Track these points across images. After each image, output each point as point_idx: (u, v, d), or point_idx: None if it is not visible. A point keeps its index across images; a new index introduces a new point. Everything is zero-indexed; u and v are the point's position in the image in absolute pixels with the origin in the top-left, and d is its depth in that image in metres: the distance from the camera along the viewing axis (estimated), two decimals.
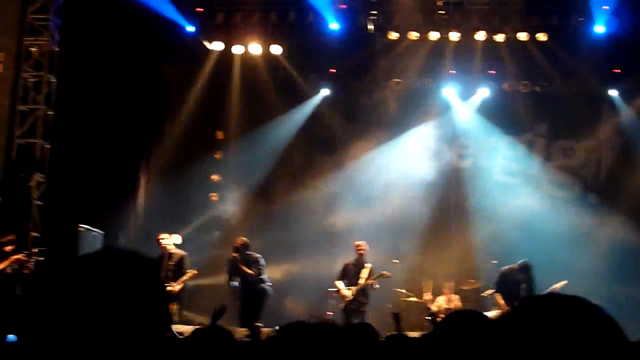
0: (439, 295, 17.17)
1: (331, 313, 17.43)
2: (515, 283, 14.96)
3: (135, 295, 1.91)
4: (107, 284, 1.90)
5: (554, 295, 1.92)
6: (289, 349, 2.48)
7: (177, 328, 12.28)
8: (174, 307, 14.98)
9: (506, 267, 15.40)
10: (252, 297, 15.45)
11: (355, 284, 15.77)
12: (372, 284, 15.76)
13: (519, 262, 15.21)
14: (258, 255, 15.89)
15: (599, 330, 1.78)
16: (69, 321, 1.86)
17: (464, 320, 3.40)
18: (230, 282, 15.69)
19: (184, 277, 15.22)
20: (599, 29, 17.93)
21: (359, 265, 16.02)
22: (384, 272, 16.08)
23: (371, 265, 16.02)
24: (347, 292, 15.75)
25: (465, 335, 3.22)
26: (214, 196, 19.25)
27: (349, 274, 16.04)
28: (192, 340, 4.62)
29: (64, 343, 1.84)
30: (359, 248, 16.15)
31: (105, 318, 1.85)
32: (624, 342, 1.79)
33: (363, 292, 15.82)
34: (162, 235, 15.67)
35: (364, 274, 15.88)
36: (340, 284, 15.94)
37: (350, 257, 16.20)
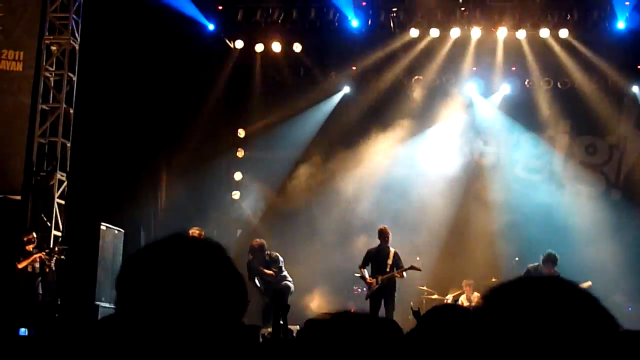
0: (460, 293, 17.12)
1: (353, 310, 17.41)
2: None
3: (212, 280, 1.90)
4: (182, 269, 1.88)
5: (528, 278, 1.85)
6: (313, 343, 2.46)
7: None
8: None
9: (532, 265, 15.26)
10: (275, 295, 15.38)
11: (383, 271, 15.52)
12: (400, 275, 15.54)
13: (543, 255, 15.05)
14: (276, 254, 15.83)
15: (581, 310, 1.73)
16: (148, 310, 1.85)
17: (444, 314, 3.40)
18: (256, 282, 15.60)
19: None
20: (620, 24, 17.83)
21: (383, 251, 15.74)
22: (415, 265, 15.93)
23: (395, 249, 15.77)
24: (372, 280, 15.50)
25: (447, 329, 3.21)
26: (235, 194, 19.24)
27: (374, 261, 15.73)
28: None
29: (143, 333, 1.83)
30: (383, 232, 15.85)
31: (183, 304, 1.84)
32: (609, 320, 1.75)
33: (390, 281, 15.54)
34: (194, 229, 15.29)
35: (390, 259, 15.70)
36: (365, 272, 15.74)
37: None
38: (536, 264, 15.20)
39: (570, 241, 17.09)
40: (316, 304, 17.89)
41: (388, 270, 15.48)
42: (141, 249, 1.96)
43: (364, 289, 17.01)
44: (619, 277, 16.07)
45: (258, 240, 15.98)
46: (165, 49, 17.81)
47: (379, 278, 15.43)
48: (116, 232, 16.54)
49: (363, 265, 15.79)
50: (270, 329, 13.95)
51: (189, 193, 18.47)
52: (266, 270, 15.53)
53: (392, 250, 15.72)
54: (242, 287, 1.95)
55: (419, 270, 15.97)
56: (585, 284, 14.85)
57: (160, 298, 1.84)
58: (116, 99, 16.79)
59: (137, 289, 1.87)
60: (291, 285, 15.70)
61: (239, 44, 18.93)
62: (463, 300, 16.95)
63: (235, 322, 1.90)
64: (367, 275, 15.63)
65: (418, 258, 17.18)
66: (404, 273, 15.55)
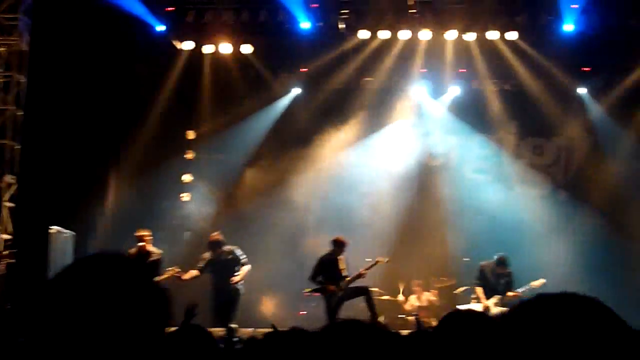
0: (410, 293, 17.22)
1: (304, 312, 17.44)
2: (495, 277, 15.07)
3: (133, 297, 1.90)
4: (103, 287, 1.89)
5: (561, 294, 1.90)
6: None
7: None
8: None
9: (485, 262, 15.44)
10: (225, 297, 15.29)
11: (338, 279, 15.55)
12: (365, 274, 15.53)
13: (496, 256, 15.26)
14: (233, 247, 15.71)
15: (608, 330, 1.78)
16: (67, 325, 1.84)
17: (464, 319, 3.40)
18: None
19: (165, 275, 14.90)
20: (568, 27, 18.06)
21: (336, 260, 15.65)
22: (380, 259, 15.88)
23: (344, 257, 15.75)
24: (333, 285, 15.40)
25: (467, 334, 3.21)
26: (185, 196, 19.11)
27: (327, 269, 15.60)
28: (173, 339, 4.58)
29: (63, 347, 1.83)
30: (341, 242, 15.77)
31: (103, 321, 1.84)
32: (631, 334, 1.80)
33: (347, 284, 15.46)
34: (142, 232, 15.15)
35: (342, 265, 15.60)
36: (319, 279, 15.65)
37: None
38: (488, 261, 15.41)
39: (519, 240, 17.29)
40: (267, 306, 17.88)
41: (344, 275, 15.49)
42: (62, 268, 1.96)
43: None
44: (568, 274, 16.26)
45: (215, 235, 15.82)
46: (114, 50, 17.66)
47: (344, 282, 15.40)
48: (66, 235, 16.37)
49: (315, 276, 15.60)
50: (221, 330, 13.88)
51: (138, 195, 18.32)
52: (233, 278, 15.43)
53: (342, 257, 15.74)
54: (162, 304, 1.95)
55: (386, 261, 15.97)
56: (539, 282, 15.11)
57: (75, 320, 1.84)
58: (66, 101, 16.59)
59: (53, 313, 1.87)
60: (242, 288, 15.64)
61: (188, 45, 18.79)
62: (413, 301, 17.05)
63: (156, 336, 1.90)
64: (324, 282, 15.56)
65: (369, 260, 17.23)
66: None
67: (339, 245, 15.72)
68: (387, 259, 15.99)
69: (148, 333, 1.90)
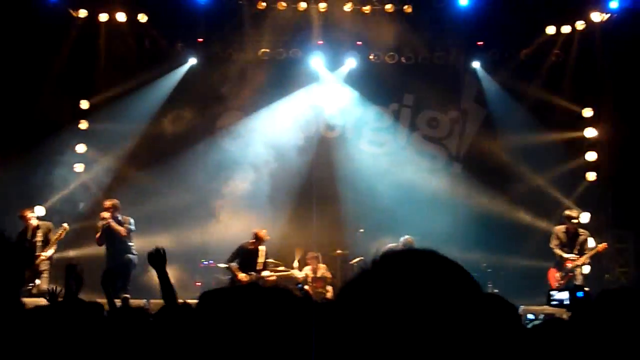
0: (305, 265, 17.33)
1: (199, 283, 17.39)
2: None
3: None
4: None
5: (405, 250, 1.90)
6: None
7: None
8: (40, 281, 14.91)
9: (388, 246, 15.67)
10: (118, 268, 15.23)
11: (253, 269, 16.01)
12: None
13: (402, 239, 15.62)
14: (128, 218, 15.81)
15: (453, 281, 1.79)
16: None
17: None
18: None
19: (55, 237, 15.38)
20: (463, 1, 18.32)
21: (256, 250, 16.22)
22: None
23: (265, 247, 16.35)
24: (243, 276, 15.81)
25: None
26: (79, 167, 18.73)
27: (245, 258, 16.18)
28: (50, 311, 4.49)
29: None
30: (260, 237, 16.30)
31: None
32: (477, 291, 1.81)
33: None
34: (26, 212, 15.56)
35: (261, 258, 16.18)
36: (234, 265, 16.01)
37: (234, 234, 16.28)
38: (392, 245, 15.67)
39: (411, 212, 17.53)
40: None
41: (259, 268, 16.13)
42: None
43: (211, 261, 17.20)
44: (464, 246, 16.46)
45: (112, 200, 15.87)
46: (8, 17, 17.21)
47: (253, 276, 15.72)
48: None
49: (232, 260, 16.13)
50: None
51: (31, 167, 17.88)
52: (117, 227, 15.47)
53: (263, 248, 16.05)
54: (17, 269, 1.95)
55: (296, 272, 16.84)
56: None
57: None
58: None
59: None
60: (135, 259, 15.64)
61: (83, 13, 18.44)
62: (308, 273, 17.15)
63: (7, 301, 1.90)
64: (237, 270, 15.93)
65: (265, 230, 17.31)
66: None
67: (257, 239, 16.21)
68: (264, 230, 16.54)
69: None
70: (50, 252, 15.39)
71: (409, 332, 1.69)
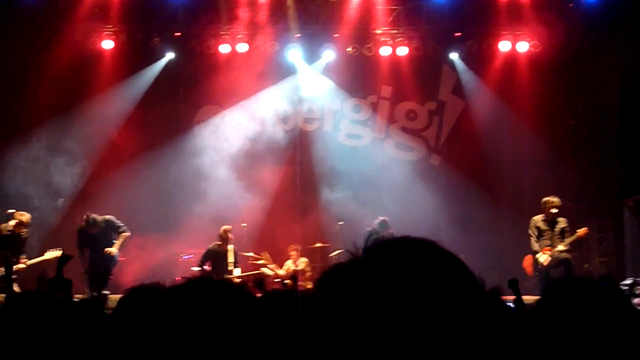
0: (286, 258, 17.32)
1: (179, 279, 17.33)
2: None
3: None
4: None
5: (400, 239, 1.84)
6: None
7: None
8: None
9: (369, 228, 15.71)
10: (100, 265, 15.15)
11: (224, 271, 15.92)
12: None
13: (377, 220, 15.63)
14: (108, 217, 15.75)
15: (447, 271, 1.74)
16: None
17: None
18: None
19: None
20: None
21: (224, 251, 16.20)
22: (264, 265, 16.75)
23: (234, 247, 16.29)
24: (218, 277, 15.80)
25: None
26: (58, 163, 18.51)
27: (215, 260, 16.23)
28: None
29: None
30: (226, 233, 16.26)
31: None
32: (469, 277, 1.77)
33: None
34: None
35: (231, 257, 16.12)
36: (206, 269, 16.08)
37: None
38: (371, 227, 15.69)
39: (390, 204, 17.56)
40: (136, 274, 17.59)
41: (230, 268, 16.08)
42: None
43: (191, 256, 17.17)
44: (445, 237, 16.50)
45: (89, 214, 15.74)
46: None
47: (229, 275, 15.75)
48: None
49: (202, 264, 16.20)
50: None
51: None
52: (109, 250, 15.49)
53: (230, 247, 16.03)
54: None
55: (268, 263, 16.78)
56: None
57: None
58: None
59: None
60: (117, 256, 15.66)
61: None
62: (290, 265, 17.14)
63: None
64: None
65: (244, 224, 17.30)
66: None
67: (222, 237, 16.22)
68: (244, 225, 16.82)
69: None
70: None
71: (404, 323, 1.65)
